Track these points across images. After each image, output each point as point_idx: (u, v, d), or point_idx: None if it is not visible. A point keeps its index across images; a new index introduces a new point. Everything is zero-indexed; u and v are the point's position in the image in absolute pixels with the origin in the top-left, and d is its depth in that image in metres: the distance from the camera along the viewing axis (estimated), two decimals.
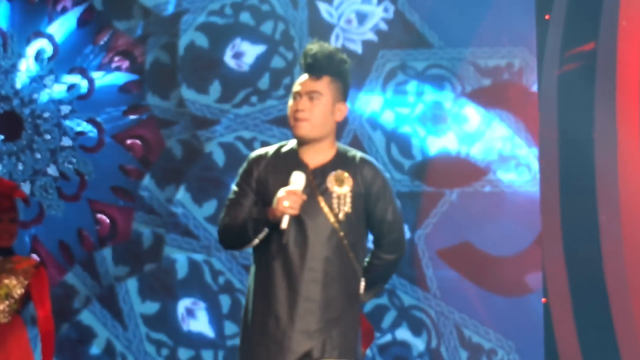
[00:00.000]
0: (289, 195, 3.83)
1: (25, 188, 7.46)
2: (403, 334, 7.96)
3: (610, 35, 6.84)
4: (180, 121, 7.70)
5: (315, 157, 3.98)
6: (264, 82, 8.00)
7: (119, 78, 7.51)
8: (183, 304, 7.77)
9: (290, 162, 3.96)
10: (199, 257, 7.74)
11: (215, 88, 7.93)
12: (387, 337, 7.98)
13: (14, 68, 7.43)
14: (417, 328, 7.95)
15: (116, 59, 7.47)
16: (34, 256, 7.22)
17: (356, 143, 8.00)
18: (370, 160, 4.06)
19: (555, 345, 7.10)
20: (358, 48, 8.03)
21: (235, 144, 7.76)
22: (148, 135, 7.57)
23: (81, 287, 7.62)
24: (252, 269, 4.02)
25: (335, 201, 3.93)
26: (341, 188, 3.93)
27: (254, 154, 4.06)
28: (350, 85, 4.12)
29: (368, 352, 7.73)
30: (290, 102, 4.02)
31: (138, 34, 7.65)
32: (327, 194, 3.93)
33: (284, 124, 7.72)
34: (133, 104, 7.55)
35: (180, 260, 7.82)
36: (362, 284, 4.03)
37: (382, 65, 8.00)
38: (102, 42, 7.49)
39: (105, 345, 7.76)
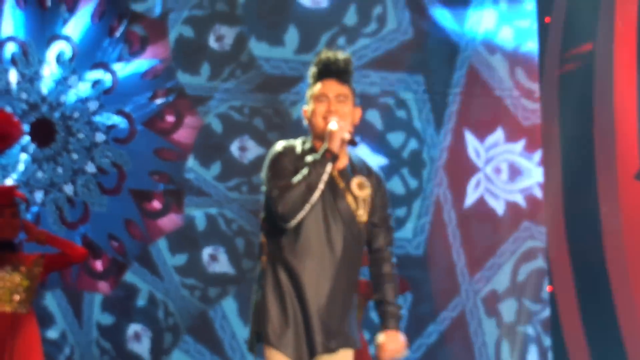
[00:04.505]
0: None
1: (68, 189, 7.39)
2: None
3: (607, 36, 6.88)
4: (215, 95, 7.40)
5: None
6: (350, 18, 6.94)
7: (140, 66, 7.45)
8: None
9: None
10: None
11: (292, 36, 7.06)
12: None
13: (37, 75, 7.45)
14: None
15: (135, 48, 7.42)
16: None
17: (473, 75, 7.05)
18: (378, 171, 4.31)
19: (561, 330, 7.24)
20: None
21: None
22: (182, 116, 7.41)
23: (142, 285, 7.36)
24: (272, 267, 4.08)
25: (361, 203, 4.17)
26: (362, 192, 4.17)
27: (281, 145, 4.15)
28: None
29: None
30: (311, 105, 4.13)
31: (157, 13, 7.41)
32: (352, 196, 4.16)
33: (383, 66, 6.90)
34: (158, 89, 7.42)
35: None
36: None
37: None
38: (118, 34, 7.43)
39: None
